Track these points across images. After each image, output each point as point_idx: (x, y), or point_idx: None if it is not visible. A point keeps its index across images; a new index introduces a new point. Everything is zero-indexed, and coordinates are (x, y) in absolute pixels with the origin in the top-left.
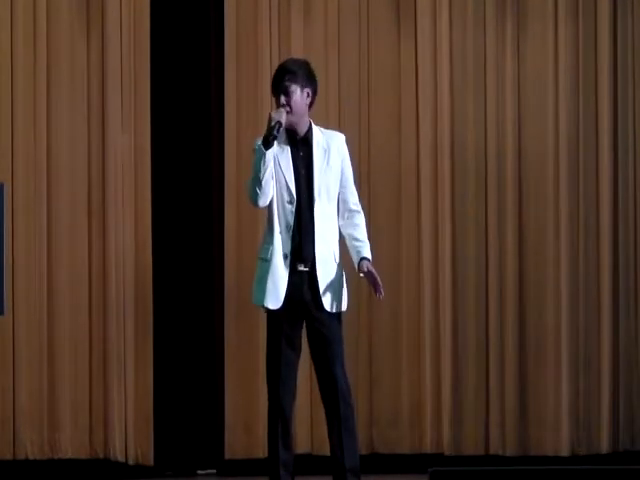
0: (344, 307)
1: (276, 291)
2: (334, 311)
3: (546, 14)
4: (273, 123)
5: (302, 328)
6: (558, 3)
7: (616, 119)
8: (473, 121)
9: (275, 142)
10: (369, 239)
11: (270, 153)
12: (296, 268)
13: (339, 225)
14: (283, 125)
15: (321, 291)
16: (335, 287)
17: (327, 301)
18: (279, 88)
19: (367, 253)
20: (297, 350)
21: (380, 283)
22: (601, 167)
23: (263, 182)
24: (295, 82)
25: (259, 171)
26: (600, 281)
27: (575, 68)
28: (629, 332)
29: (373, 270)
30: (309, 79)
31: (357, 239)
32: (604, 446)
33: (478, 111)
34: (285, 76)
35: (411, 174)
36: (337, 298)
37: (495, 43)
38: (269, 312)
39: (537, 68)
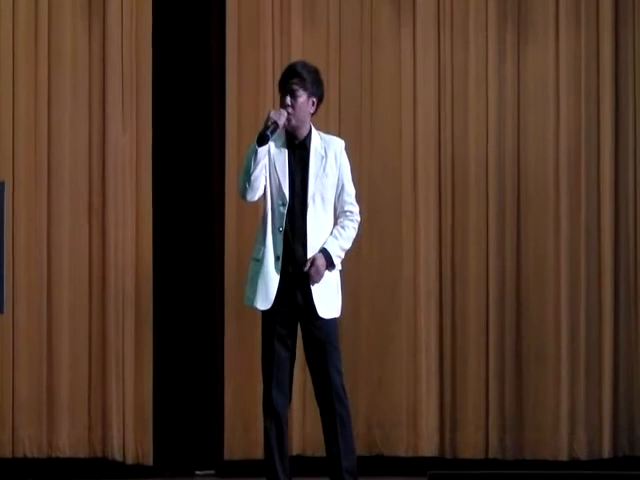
0: (338, 313)
1: (266, 291)
2: (328, 317)
3: (547, 21)
4: (270, 123)
5: (297, 330)
6: (559, 9)
7: (617, 125)
8: (475, 128)
9: (271, 142)
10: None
11: (263, 150)
12: (288, 271)
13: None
14: (280, 127)
15: (314, 298)
16: (329, 294)
17: (321, 308)
18: (286, 87)
19: (330, 246)
20: (291, 351)
21: (312, 275)
22: (603, 175)
23: (252, 177)
24: (303, 88)
25: (249, 167)
26: (601, 285)
27: (577, 74)
28: (630, 336)
29: (313, 266)
30: (317, 87)
31: (333, 234)
32: (604, 451)
33: (479, 118)
34: (294, 79)
35: (410, 178)
36: (331, 305)
37: (497, 49)
38: (262, 312)
39: (538, 74)
